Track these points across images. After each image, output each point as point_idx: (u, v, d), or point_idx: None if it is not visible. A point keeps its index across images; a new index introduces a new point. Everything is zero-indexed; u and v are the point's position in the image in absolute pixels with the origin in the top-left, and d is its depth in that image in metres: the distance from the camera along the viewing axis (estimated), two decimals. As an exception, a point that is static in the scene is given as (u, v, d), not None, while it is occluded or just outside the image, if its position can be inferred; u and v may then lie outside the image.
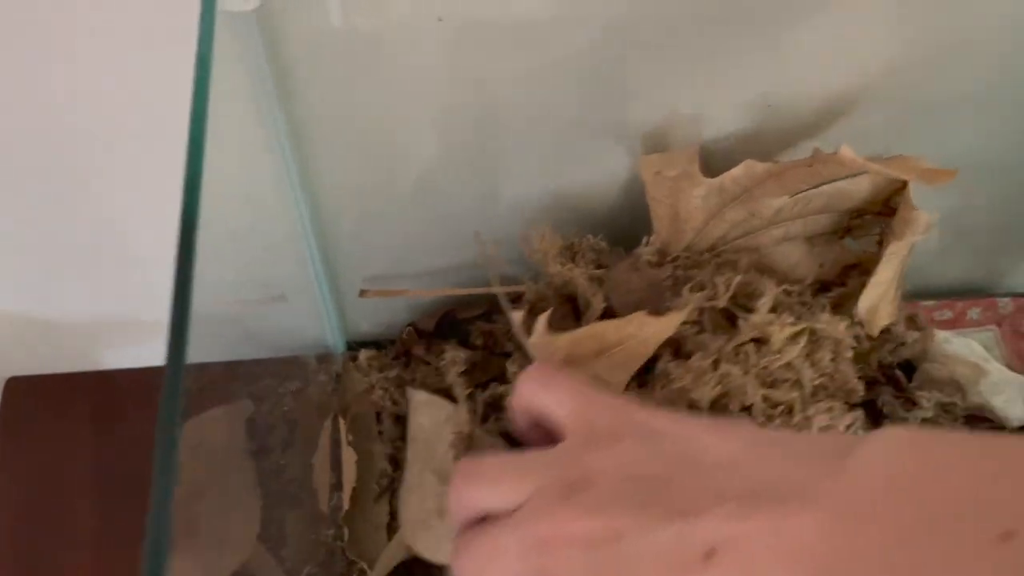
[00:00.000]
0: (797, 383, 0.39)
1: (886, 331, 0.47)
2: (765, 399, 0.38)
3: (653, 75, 0.41)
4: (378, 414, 0.51)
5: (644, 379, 0.41)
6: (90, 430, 0.58)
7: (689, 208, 0.43)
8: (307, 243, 0.47)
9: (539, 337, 0.38)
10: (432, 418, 0.45)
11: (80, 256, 0.50)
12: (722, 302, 0.41)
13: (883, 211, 0.46)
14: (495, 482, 0.29)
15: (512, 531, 0.28)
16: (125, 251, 0.49)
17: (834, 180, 0.44)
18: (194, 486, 0.39)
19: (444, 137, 0.42)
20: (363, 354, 0.55)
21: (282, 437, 0.50)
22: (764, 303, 0.40)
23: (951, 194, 0.53)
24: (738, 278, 0.41)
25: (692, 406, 0.38)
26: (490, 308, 0.52)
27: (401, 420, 0.51)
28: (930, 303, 0.55)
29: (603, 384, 0.39)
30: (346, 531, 0.48)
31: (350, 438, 0.51)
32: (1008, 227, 0.55)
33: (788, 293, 0.43)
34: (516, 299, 0.49)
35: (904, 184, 0.42)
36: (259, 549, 0.41)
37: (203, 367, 0.46)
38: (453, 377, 0.46)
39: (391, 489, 0.50)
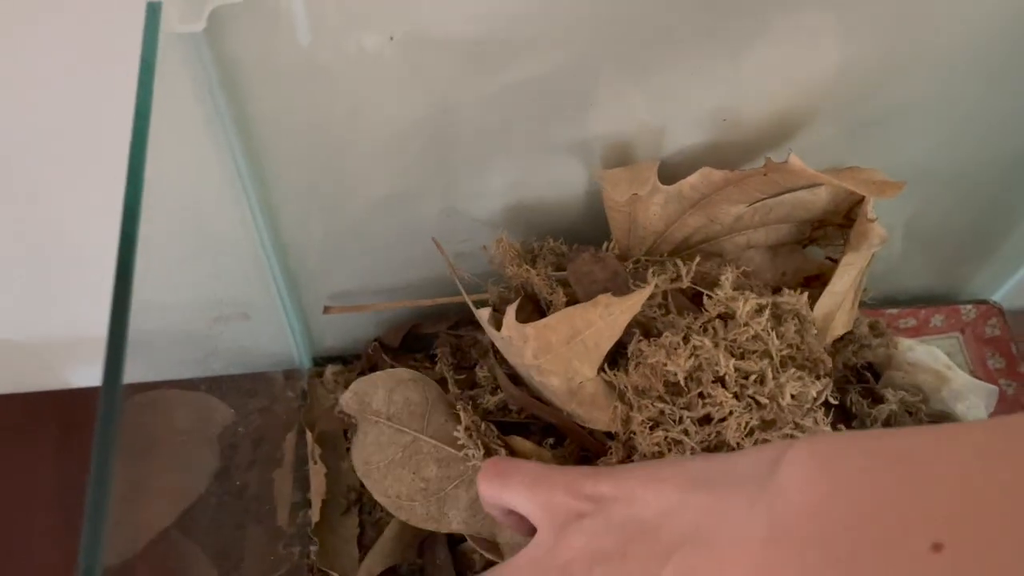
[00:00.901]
0: (766, 353, 0.40)
1: (849, 334, 0.48)
2: (736, 370, 0.38)
3: (611, 91, 0.41)
4: (345, 430, 0.51)
5: (617, 363, 0.42)
6: (54, 449, 0.58)
7: (648, 215, 0.44)
8: (268, 261, 0.47)
9: (509, 329, 0.39)
10: (422, 393, 0.46)
11: (42, 276, 0.50)
12: (685, 282, 0.42)
13: (844, 222, 0.47)
14: None
15: None
16: (87, 271, 0.49)
17: (793, 190, 0.44)
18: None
19: (402, 152, 0.42)
20: (329, 370, 0.55)
21: (246, 453, 0.50)
22: (727, 279, 0.41)
23: (912, 203, 0.54)
24: (698, 259, 0.43)
25: (668, 381, 0.39)
26: (455, 322, 0.52)
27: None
28: (894, 311, 0.55)
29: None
30: (316, 545, 0.48)
31: (318, 452, 0.50)
32: (969, 235, 0.56)
33: (746, 275, 0.44)
34: (480, 305, 0.49)
35: (863, 196, 0.43)
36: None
37: (159, 385, 0.46)
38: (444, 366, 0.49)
39: (359, 503, 0.50)
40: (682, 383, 0.38)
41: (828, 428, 0.39)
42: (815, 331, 0.42)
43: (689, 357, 0.38)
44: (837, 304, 0.43)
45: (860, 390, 0.49)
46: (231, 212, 0.42)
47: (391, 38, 0.36)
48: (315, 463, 0.49)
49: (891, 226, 0.55)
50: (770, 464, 0.25)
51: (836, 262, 0.44)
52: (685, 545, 0.26)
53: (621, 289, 0.42)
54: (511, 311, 0.39)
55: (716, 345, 0.39)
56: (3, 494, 0.58)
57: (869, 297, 0.50)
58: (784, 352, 0.40)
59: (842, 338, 0.48)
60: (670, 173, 0.44)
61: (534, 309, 0.46)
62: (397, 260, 0.50)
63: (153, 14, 0.29)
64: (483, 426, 0.44)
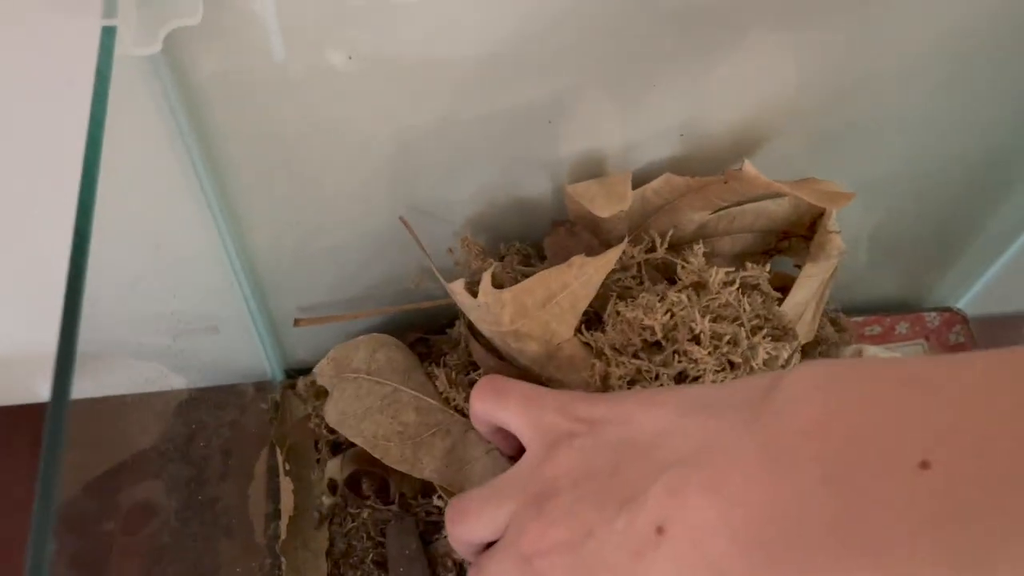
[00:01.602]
0: (738, 320, 0.41)
1: (815, 339, 0.48)
2: (711, 332, 0.39)
3: (577, 105, 0.42)
4: (316, 442, 0.51)
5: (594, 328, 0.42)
6: (27, 463, 0.58)
7: (611, 221, 0.44)
8: (236, 276, 0.47)
9: (485, 295, 0.40)
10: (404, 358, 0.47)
11: (11, 288, 0.50)
12: (660, 251, 0.43)
13: (807, 234, 0.47)
14: (478, 516, 0.32)
15: (503, 556, 0.31)
16: (55, 283, 0.49)
17: (755, 199, 0.45)
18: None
19: (364, 168, 0.43)
20: (301, 381, 0.55)
21: (218, 467, 0.50)
22: (699, 250, 0.42)
23: (877, 214, 0.55)
24: (672, 229, 0.44)
25: (645, 340, 0.39)
26: (425, 331, 0.53)
27: (338, 447, 0.51)
28: (859, 318, 0.56)
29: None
30: (283, 560, 0.48)
31: (287, 467, 0.51)
32: (932, 244, 0.56)
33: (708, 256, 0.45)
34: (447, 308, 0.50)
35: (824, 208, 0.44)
36: None
37: (126, 399, 0.47)
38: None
39: (330, 517, 0.50)
40: (660, 337, 0.39)
41: None
42: (777, 304, 0.43)
43: (666, 312, 0.39)
44: (799, 314, 0.44)
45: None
46: (196, 228, 0.42)
47: (349, 57, 0.36)
48: (284, 477, 0.49)
49: (856, 236, 0.56)
50: (767, 389, 0.25)
51: (802, 272, 0.45)
52: (678, 463, 0.26)
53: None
54: (487, 277, 0.40)
55: (692, 305, 0.40)
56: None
57: (835, 305, 0.51)
58: (754, 322, 0.41)
59: (807, 345, 0.49)
60: (635, 185, 0.45)
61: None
62: (366, 272, 0.51)
63: (108, 37, 0.29)
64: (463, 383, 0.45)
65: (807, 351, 0.49)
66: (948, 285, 0.58)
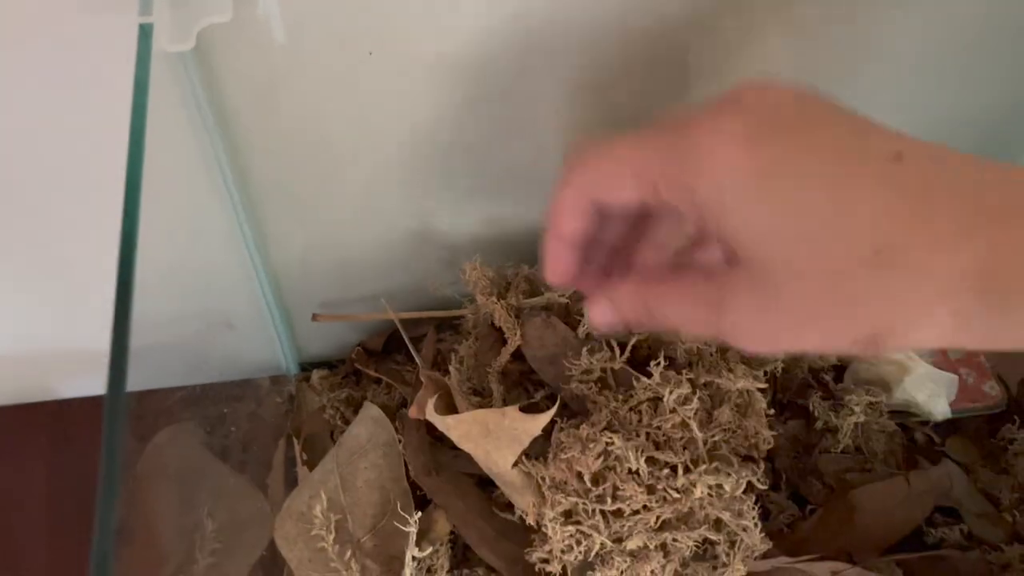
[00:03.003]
0: (691, 441, 0.40)
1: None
2: (652, 461, 0.39)
3: (578, 111, 0.43)
4: (331, 433, 0.52)
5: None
6: (45, 461, 0.59)
7: None
8: (256, 271, 0.48)
9: (431, 418, 0.41)
10: (371, 436, 0.46)
11: (32, 287, 0.51)
12: (618, 364, 0.43)
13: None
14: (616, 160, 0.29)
15: None
16: (76, 282, 0.50)
17: None
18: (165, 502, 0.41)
19: (382, 165, 0.44)
20: (316, 374, 0.56)
21: (238, 457, 0.51)
22: (658, 366, 0.41)
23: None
24: (635, 339, 0.43)
25: (580, 476, 0.39)
26: (436, 327, 0.54)
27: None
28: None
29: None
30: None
31: (305, 457, 0.52)
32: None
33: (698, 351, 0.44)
34: (457, 320, 0.51)
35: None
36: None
37: (152, 393, 0.48)
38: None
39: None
40: (588, 483, 0.39)
41: (755, 520, 0.39)
42: (762, 404, 0.43)
43: (598, 457, 0.39)
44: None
45: (821, 395, 0.51)
46: (220, 225, 0.43)
47: (369, 53, 0.37)
48: (302, 468, 0.50)
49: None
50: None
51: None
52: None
53: (573, 353, 0.43)
54: (431, 404, 0.41)
55: (629, 439, 0.39)
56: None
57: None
58: (716, 438, 0.40)
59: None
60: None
61: (498, 338, 0.47)
62: (378, 269, 0.52)
63: (145, 35, 0.31)
64: None
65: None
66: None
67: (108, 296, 0.53)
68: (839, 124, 0.25)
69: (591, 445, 0.39)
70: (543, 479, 0.40)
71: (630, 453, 0.38)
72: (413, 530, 0.40)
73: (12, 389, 0.60)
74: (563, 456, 0.39)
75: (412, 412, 0.43)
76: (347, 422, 0.52)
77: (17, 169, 0.42)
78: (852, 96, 0.45)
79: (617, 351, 0.43)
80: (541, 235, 0.31)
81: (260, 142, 0.41)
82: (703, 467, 0.39)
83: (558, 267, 0.32)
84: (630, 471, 0.39)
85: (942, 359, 0.56)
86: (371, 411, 0.47)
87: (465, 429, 0.40)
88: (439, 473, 0.43)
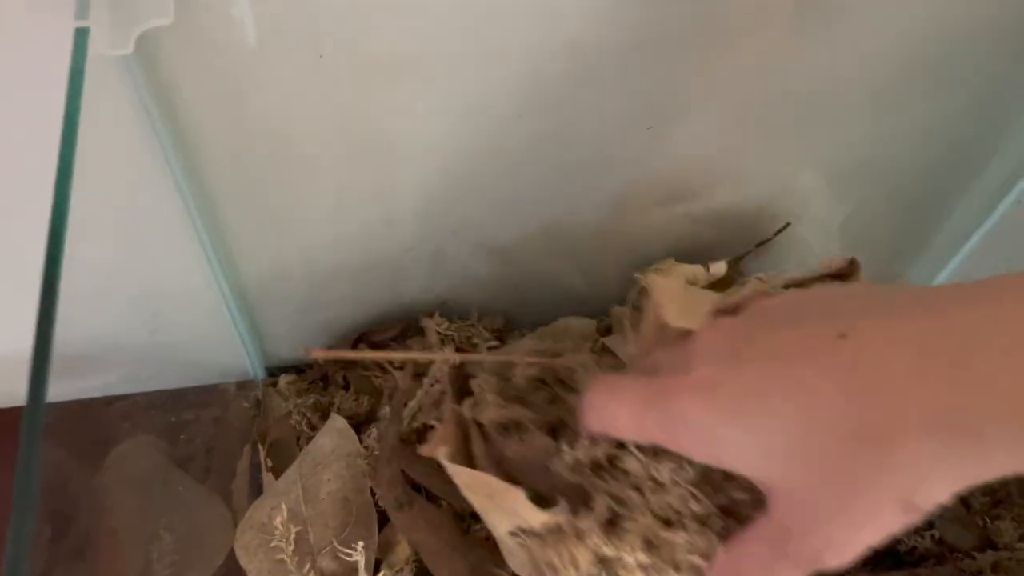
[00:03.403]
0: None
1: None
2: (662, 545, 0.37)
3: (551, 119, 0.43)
4: (297, 439, 0.52)
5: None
6: (6, 466, 0.58)
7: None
8: (216, 276, 0.47)
9: (444, 461, 0.38)
10: (335, 447, 0.45)
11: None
12: (601, 454, 0.39)
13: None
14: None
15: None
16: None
17: None
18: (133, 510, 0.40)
19: (342, 165, 0.43)
20: (283, 379, 0.55)
21: (201, 464, 0.50)
22: (633, 464, 0.37)
23: (849, 203, 0.56)
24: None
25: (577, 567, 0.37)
26: (402, 330, 0.53)
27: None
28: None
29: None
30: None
31: (270, 463, 0.51)
32: (902, 231, 0.58)
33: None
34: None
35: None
36: None
37: (112, 400, 0.47)
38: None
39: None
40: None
41: None
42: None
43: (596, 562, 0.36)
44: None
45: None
46: (173, 227, 0.43)
47: (320, 56, 0.37)
48: (267, 474, 0.49)
49: (828, 224, 0.57)
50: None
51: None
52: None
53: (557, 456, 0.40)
54: (444, 450, 0.39)
55: (634, 523, 0.36)
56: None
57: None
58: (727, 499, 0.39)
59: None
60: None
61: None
62: (347, 271, 0.51)
63: (81, 38, 0.30)
64: None
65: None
66: (919, 271, 0.59)
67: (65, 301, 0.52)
68: (791, 305, 0.29)
69: (588, 544, 0.36)
70: (538, 560, 0.38)
71: (629, 558, 0.36)
72: (361, 559, 0.39)
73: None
74: (560, 548, 0.37)
75: (425, 451, 0.39)
76: (313, 428, 0.51)
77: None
78: (830, 106, 0.46)
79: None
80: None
81: (217, 145, 0.40)
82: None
83: None
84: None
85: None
86: (336, 423, 0.46)
87: (471, 482, 0.38)
88: (411, 506, 0.42)
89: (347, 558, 0.42)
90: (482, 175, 0.46)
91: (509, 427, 0.39)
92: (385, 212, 0.47)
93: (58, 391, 0.60)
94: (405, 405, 0.44)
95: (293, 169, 0.43)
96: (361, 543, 0.40)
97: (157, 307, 0.46)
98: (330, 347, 0.55)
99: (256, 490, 0.51)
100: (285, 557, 0.41)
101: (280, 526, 0.42)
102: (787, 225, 0.51)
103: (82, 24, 0.30)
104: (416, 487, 0.43)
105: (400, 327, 0.53)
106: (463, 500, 0.40)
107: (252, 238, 0.47)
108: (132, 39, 0.31)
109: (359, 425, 0.51)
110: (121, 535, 0.39)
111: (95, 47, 0.30)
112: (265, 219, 0.46)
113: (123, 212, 0.39)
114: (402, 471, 0.43)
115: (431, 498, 0.43)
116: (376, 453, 0.47)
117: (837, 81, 0.44)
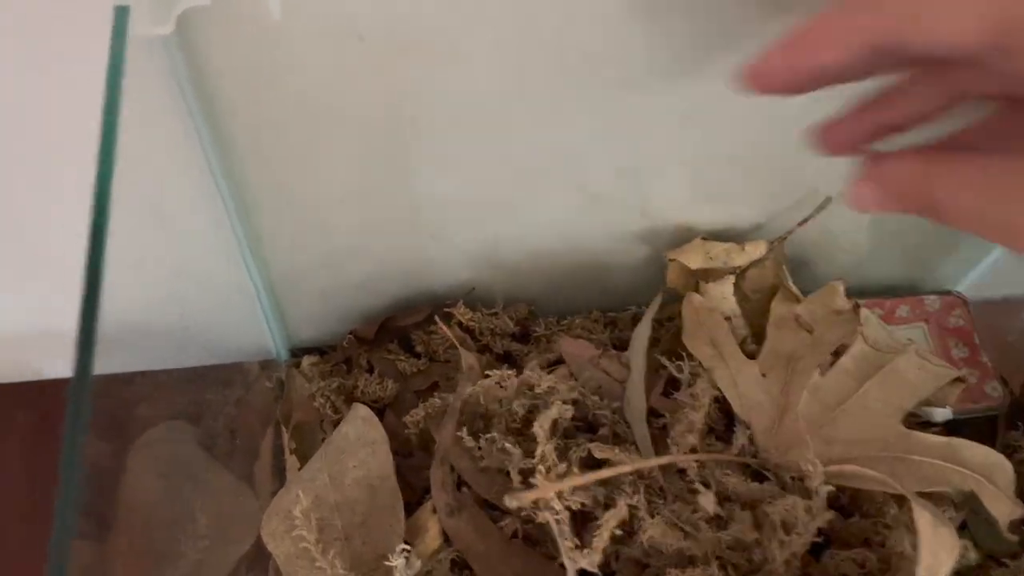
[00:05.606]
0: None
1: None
2: None
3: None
4: (320, 422, 0.52)
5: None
6: (24, 440, 0.58)
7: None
8: (242, 253, 0.47)
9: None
10: (359, 435, 0.45)
11: (16, 269, 0.50)
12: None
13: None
14: None
15: None
16: (59, 261, 0.49)
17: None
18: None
19: (371, 148, 0.43)
20: (306, 360, 0.55)
21: (224, 447, 0.50)
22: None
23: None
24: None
25: None
26: (428, 315, 0.53)
27: (342, 427, 0.51)
28: (861, 301, 0.56)
29: None
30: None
31: (293, 446, 0.51)
32: (933, 227, 0.57)
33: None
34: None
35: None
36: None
37: (134, 377, 0.47)
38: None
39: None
40: None
41: None
42: None
43: None
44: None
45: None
46: (203, 206, 0.42)
47: (360, 38, 0.36)
48: (291, 457, 0.49)
49: (859, 219, 0.56)
50: None
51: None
52: None
53: None
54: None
55: None
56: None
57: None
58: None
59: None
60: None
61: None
62: (370, 254, 0.51)
63: (121, 17, 0.29)
64: None
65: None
66: (949, 268, 0.59)
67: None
68: None
69: None
70: None
71: None
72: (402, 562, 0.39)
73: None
74: None
75: (511, 503, 0.38)
76: (337, 411, 0.51)
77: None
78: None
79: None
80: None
81: (245, 125, 0.39)
82: None
83: (778, 77, 0.27)
84: None
85: (945, 356, 0.55)
86: (360, 411, 0.46)
87: None
88: (461, 512, 0.42)
89: (375, 544, 0.42)
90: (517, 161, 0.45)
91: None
92: (414, 197, 0.46)
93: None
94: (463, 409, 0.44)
95: (323, 151, 0.43)
96: (400, 548, 0.39)
97: (184, 285, 0.46)
98: (352, 332, 0.54)
99: (279, 472, 0.51)
100: (310, 545, 0.40)
101: (304, 514, 0.42)
102: (828, 200, 0.50)
103: (122, 2, 0.29)
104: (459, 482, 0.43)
105: (427, 312, 0.53)
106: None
107: (280, 218, 0.47)
108: (173, 18, 0.30)
109: (383, 409, 0.51)
110: (152, 516, 0.39)
111: (135, 26, 0.30)
112: (294, 200, 0.46)
113: (156, 192, 0.39)
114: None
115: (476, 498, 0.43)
116: (410, 431, 0.47)
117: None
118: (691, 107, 0.43)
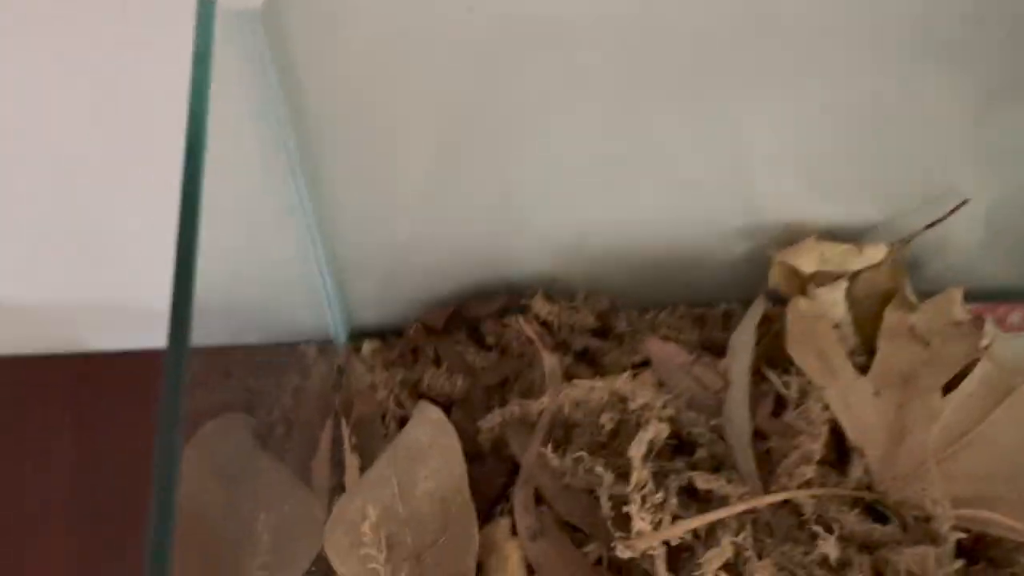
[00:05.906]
0: None
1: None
2: None
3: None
4: (383, 416, 0.48)
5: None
6: (71, 415, 0.55)
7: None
8: (309, 229, 0.44)
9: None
10: (431, 441, 0.41)
11: (65, 240, 0.47)
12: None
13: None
14: None
15: None
16: (112, 237, 0.46)
17: None
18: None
19: (460, 129, 0.39)
20: (367, 346, 0.51)
21: (280, 439, 0.47)
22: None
23: (996, 186, 0.50)
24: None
25: None
26: (502, 305, 0.49)
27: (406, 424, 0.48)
28: (968, 307, 0.52)
29: None
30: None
31: (354, 440, 0.48)
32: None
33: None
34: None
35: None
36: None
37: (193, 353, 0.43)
38: None
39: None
40: None
41: None
42: None
43: None
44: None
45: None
46: (276, 181, 0.39)
47: (469, 9, 0.32)
48: (351, 453, 0.46)
49: (968, 213, 0.51)
50: None
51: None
52: None
53: None
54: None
55: None
56: (19, 451, 0.55)
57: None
58: None
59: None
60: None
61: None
62: (444, 239, 0.47)
63: (207, -8, 0.25)
64: None
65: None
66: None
67: (139, 252, 0.49)
68: None
69: None
70: None
71: None
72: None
73: (36, 338, 0.56)
74: None
75: (624, 554, 0.35)
76: (401, 405, 0.47)
77: (64, 124, 0.39)
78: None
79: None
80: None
81: (324, 106, 0.36)
82: None
83: None
84: None
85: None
86: (431, 413, 0.42)
87: None
88: (544, 535, 0.38)
89: (447, 564, 0.39)
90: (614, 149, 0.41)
91: None
92: (501, 183, 0.43)
93: (136, 342, 0.57)
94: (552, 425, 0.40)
95: (407, 131, 0.39)
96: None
97: (247, 260, 0.43)
98: (420, 320, 0.51)
99: (338, 467, 0.47)
100: (379, 567, 0.37)
101: (373, 529, 0.38)
102: (964, 202, 0.45)
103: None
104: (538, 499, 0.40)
105: (501, 302, 0.49)
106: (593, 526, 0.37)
107: (352, 195, 0.43)
108: (262, -9, 0.26)
109: (449, 407, 0.47)
110: (215, 533, 0.35)
111: (222, 2, 0.26)
112: (370, 177, 0.42)
113: (232, 168, 0.35)
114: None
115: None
116: (483, 436, 0.44)
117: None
118: (816, 100, 0.39)
